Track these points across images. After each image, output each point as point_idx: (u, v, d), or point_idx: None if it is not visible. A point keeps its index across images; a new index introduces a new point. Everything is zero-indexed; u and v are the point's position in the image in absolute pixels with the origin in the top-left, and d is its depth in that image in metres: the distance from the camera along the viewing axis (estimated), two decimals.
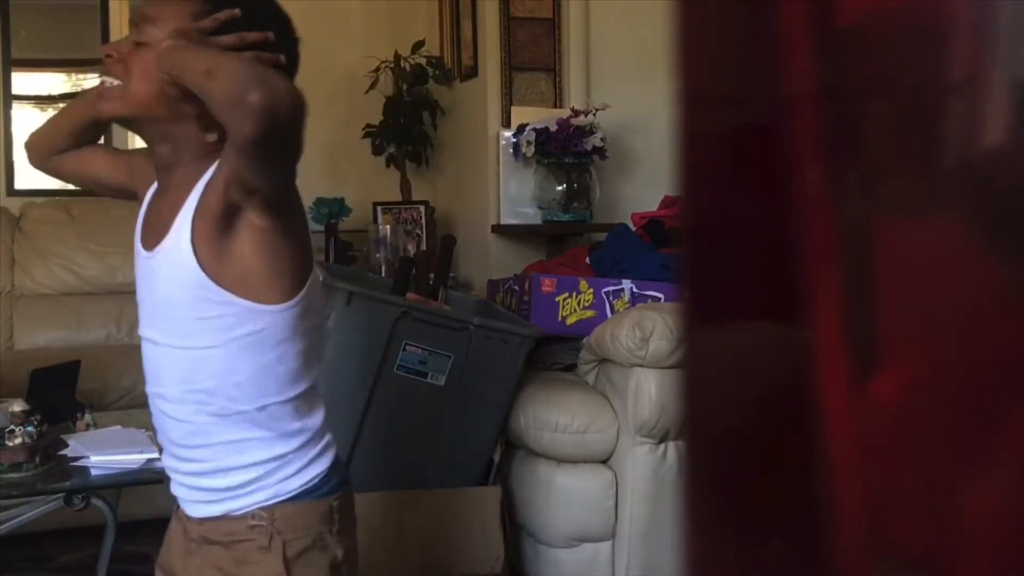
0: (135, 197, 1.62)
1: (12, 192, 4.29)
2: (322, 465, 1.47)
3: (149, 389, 1.47)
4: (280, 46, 1.40)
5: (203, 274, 1.36)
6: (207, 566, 1.44)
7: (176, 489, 1.48)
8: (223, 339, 1.38)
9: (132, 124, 1.50)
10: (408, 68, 4.48)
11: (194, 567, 1.45)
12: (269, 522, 1.42)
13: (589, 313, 2.82)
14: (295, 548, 1.42)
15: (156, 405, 1.47)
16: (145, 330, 1.48)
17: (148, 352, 1.47)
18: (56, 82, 4.67)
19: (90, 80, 4.59)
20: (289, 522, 1.43)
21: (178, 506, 1.49)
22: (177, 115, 1.38)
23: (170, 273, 1.40)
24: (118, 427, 2.49)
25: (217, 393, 1.40)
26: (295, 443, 1.44)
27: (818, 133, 0.51)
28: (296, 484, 1.44)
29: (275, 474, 1.43)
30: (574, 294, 2.83)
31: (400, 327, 2.50)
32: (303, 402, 1.45)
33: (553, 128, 3.76)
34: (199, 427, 1.42)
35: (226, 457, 1.42)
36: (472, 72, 4.26)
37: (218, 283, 1.36)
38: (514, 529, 2.70)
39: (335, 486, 1.48)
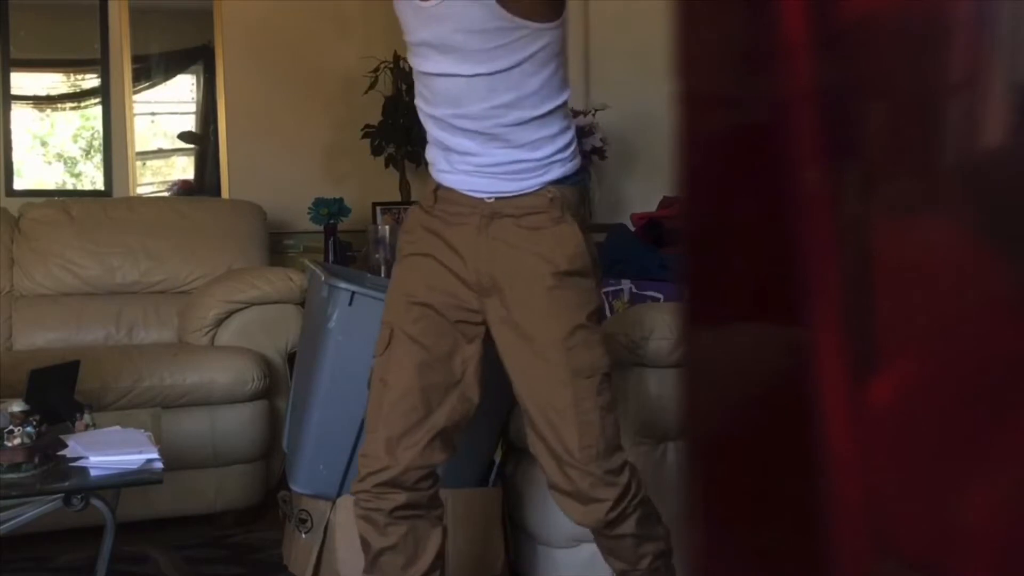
0: None
1: (11, 192, 4.29)
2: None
3: (444, 112, 1.84)
4: None
5: (499, 7, 1.72)
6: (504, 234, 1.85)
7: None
8: (517, 59, 1.76)
9: None
10: (407, 68, 4.47)
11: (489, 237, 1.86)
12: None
13: None
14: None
15: (455, 124, 1.84)
16: (436, 66, 1.82)
17: (442, 85, 1.82)
18: (55, 82, 4.66)
19: (89, 80, 4.59)
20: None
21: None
22: None
23: (465, 12, 1.74)
24: (117, 427, 2.49)
25: (514, 105, 1.79)
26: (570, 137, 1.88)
27: (818, 133, 0.51)
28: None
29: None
30: None
31: None
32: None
33: None
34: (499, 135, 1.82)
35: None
36: None
37: (513, 13, 1.72)
38: (515, 530, 2.70)
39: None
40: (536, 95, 1.80)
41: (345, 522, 2.53)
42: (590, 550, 2.58)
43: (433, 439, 1.90)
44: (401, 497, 1.90)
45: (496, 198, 1.85)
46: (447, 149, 1.89)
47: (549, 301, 1.84)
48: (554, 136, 1.85)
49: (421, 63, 1.87)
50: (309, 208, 4.29)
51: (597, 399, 1.84)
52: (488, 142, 1.83)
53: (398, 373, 1.90)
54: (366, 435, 1.95)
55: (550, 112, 1.83)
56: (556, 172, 1.85)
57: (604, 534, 1.97)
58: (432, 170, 1.96)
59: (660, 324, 2.43)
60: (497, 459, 2.71)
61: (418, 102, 1.93)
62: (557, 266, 1.83)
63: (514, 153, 1.83)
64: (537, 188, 1.84)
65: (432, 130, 1.91)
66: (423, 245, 1.93)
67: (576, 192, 1.90)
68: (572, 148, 1.89)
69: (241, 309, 3.48)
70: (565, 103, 1.87)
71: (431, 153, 1.96)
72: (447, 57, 1.80)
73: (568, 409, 1.83)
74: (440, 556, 1.99)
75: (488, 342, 1.93)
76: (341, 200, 4.31)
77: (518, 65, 1.77)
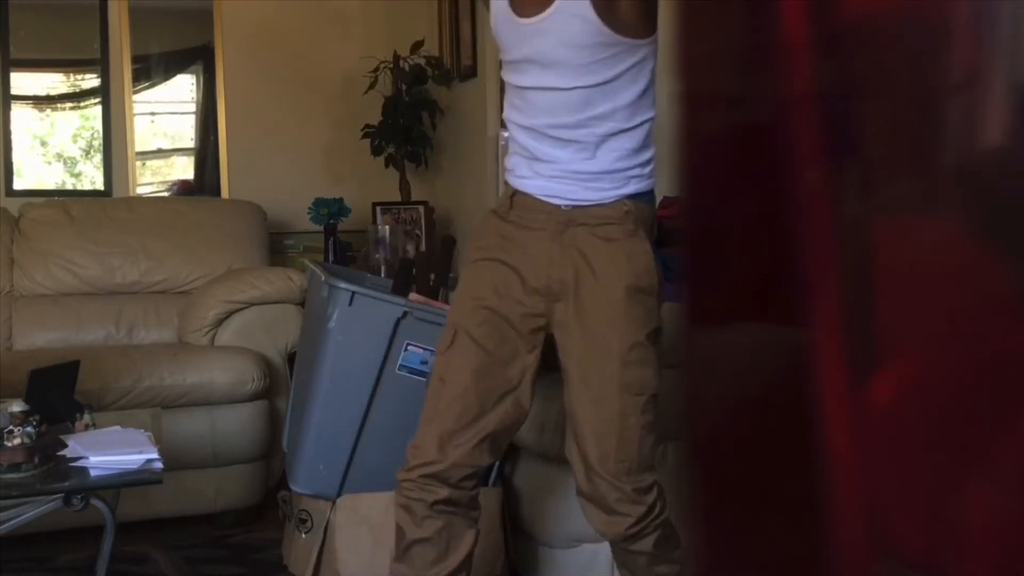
0: None
1: (11, 192, 4.29)
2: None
3: (539, 122, 1.89)
4: None
5: (601, 23, 1.77)
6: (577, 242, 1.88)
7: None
8: (614, 73, 1.82)
9: None
10: (407, 68, 4.48)
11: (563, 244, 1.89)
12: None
13: None
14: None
15: (549, 134, 1.88)
16: (534, 80, 1.87)
17: (538, 97, 1.88)
18: (55, 82, 4.66)
19: (89, 80, 4.59)
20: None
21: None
22: None
23: (567, 27, 1.80)
24: (117, 427, 2.49)
25: (608, 117, 1.85)
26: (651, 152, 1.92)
27: (818, 133, 0.51)
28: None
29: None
30: None
31: (402, 327, 2.50)
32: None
33: None
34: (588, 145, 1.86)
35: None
36: (471, 72, 4.26)
37: (612, 29, 1.78)
38: (515, 530, 2.70)
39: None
40: (629, 108, 1.86)
41: (345, 522, 2.53)
42: (590, 550, 2.58)
43: (482, 441, 1.94)
44: (444, 492, 1.94)
45: (573, 206, 1.89)
46: (534, 158, 1.93)
47: (614, 313, 1.87)
48: (637, 150, 1.90)
49: (519, 78, 1.92)
50: (309, 208, 4.29)
51: (641, 417, 1.87)
52: (579, 151, 1.88)
53: (456, 373, 1.94)
54: (420, 427, 1.99)
55: (638, 126, 1.89)
56: (633, 187, 1.90)
57: (621, 547, 1.99)
58: (509, 176, 2.00)
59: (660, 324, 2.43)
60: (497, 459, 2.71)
61: (509, 114, 1.98)
62: (626, 280, 1.87)
63: (598, 163, 1.88)
64: (613, 200, 1.89)
65: (522, 139, 1.94)
66: (495, 251, 1.96)
67: (649, 209, 1.94)
68: (652, 166, 1.93)
69: (241, 309, 3.48)
70: (652, 120, 1.92)
71: (512, 161, 1.99)
72: (547, 71, 1.85)
73: (612, 421, 1.86)
74: (470, 557, 2.01)
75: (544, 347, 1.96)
76: (341, 200, 4.31)
77: (615, 79, 1.84)
